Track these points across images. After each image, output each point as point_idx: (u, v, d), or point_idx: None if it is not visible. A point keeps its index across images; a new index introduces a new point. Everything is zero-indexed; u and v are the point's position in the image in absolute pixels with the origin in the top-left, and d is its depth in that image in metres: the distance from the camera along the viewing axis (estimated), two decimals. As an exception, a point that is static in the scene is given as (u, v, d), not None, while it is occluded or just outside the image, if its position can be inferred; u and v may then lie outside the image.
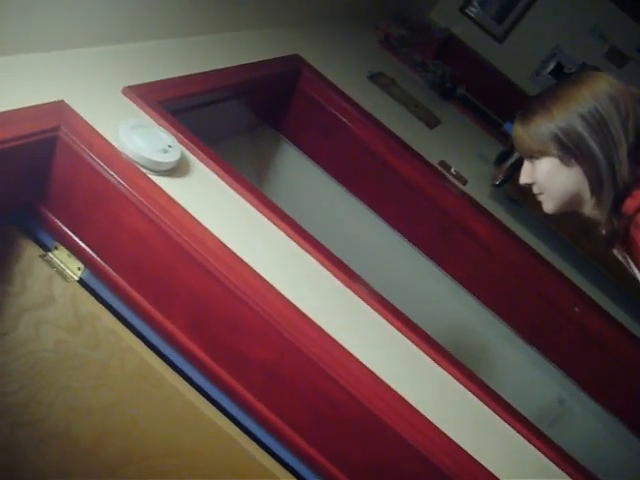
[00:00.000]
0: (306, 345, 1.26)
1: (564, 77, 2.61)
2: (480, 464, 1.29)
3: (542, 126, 1.40)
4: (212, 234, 1.30)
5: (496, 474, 1.29)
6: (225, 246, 1.30)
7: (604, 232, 1.42)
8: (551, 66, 4.20)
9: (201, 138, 1.54)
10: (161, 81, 1.62)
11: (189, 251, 1.27)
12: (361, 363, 1.29)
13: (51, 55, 1.43)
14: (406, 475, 1.33)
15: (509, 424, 1.45)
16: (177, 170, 1.41)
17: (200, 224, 1.31)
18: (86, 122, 1.33)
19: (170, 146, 1.40)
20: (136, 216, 1.30)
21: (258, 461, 1.40)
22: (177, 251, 1.29)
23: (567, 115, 1.38)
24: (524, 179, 1.51)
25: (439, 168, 2.46)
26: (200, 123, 1.71)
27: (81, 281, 1.44)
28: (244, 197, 1.48)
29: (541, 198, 1.50)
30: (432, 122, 2.84)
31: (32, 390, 1.55)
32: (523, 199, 2.54)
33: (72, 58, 1.48)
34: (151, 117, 1.49)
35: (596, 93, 1.37)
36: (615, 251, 1.48)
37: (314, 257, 1.47)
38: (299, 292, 1.33)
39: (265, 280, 1.29)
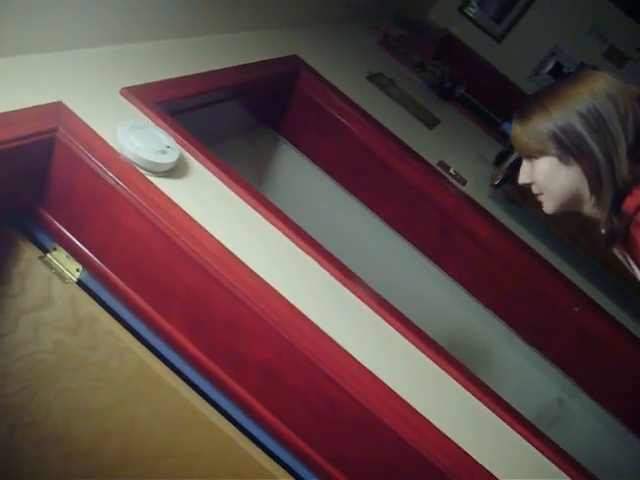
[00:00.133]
0: (304, 345, 1.26)
1: (563, 76, 2.61)
2: (479, 464, 1.29)
3: (540, 125, 1.39)
4: (210, 235, 1.30)
5: (495, 474, 1.29)
6: (224, 247, 1.30)
7: (604, 231, 1.41)
8: (550, 66, 4.20)
9: (200, 139, 1.54)
10: (159, 82, 1.62)
11: (187, 252, 1.27)
12: (360, 363, 1.29)
13: (49, 56, 1.43)
14: (404, 475, 1.33)
15: (508, 424, 1.45)
16: (175, 171, 1.41)
17: (198, 225, 1.31)
18: (84, 123, 1.33)
19: (168, 147, 1.40)
20: (134, 217, 1.30)
21: (256, 461, 1.40)
22: (175, 252, 1.29)
23: (565, 114, 1.37)
24: (523, 179, 1.50)
25: (438, 168, 2.46)
26: (199, 124, 1.71)
27: (80, 282, 1.44)
28: (243, 198, 1.48)
29: (541, 198, 1.49)
30: (431, 122, 2.84)
31: (31, 391, 1.55)
32: (522, 199, 2.54)
33: (70, 59, 1.48)
34: (149, 118, 1.49)
35: (595, 91, 1.36)
36: (615, 250, 1.47)
37: (313, 257, 1.47)
38: (297, 293, 1.33)
39: (263, 281, 1.29)
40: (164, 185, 1.34)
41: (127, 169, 1.31)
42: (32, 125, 1.25)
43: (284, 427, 1.37)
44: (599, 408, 2.51)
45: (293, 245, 1.47)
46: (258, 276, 1.29)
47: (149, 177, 1.33)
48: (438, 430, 1.29)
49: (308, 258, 1.47)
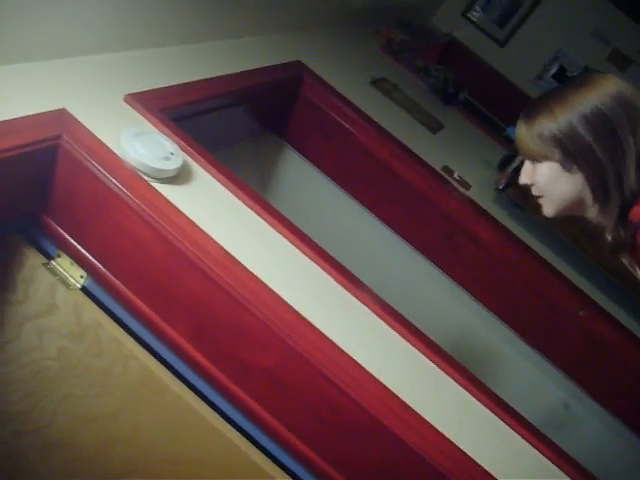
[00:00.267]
0: (308, 350, 1.26)
1: (569, 79, 2.58)
2: (481, 467, 1.29)
3: (544, 127, 1.35)
4: (214, 241, 1.30)
5: (498, 477, 1.28)
6: (227, 253, 1.30)
7: (609, 240, 1.38)
8: (553, 69, 4.19)
9: (203, 145, 1.54)
10: (163, 88, 1.63)
11: (191, 258, 1.27)
12: (362, 367, 1.29)
13: (53, 63, 1.43)
14: (406, 478, 1.33)
15: (510, 427, 1.45)
16: (179, 177, 1.41)
17: (202, 231, 1.31)
18: (88, 130, 1.33)
19: (172, 153, 1.40)
20: (138, 224, 1.30)
21: (260, 467, 1.39)
22: (179, 258, 1.29)
23: (571, 117, 1.31)
24: (524, 179, 1.46)
25: (442, 173, 2.46)
26: (202, 130, 1.72)
27: (84, 289, 1.44)
28: (246, 204, 1.48)
29: (540, 201, 1.46)
30: (435, 127, 2.84)
31: (35, 398, 1.55)
32: (526, 203, 2.53)
33: (74, 66, 1.48)
34: (153, 124, 1.50)
35: (603, 96, 1.30)
36: (622, 257, 1.44)
37: (316, 263, 1.47)
38: (301, 298, 1.33)
39: (267, 286, 1.29)
40: (168, 191, 1.34)
41: (131, 176, 1.32)
42: (36, 132, 1.25)
43: (287, 432, 1.36)
44: (605, 413, 2.50)
45: (297, 251, 1.47)
46: (262, 282, 1.29)
47: (153, 183, 1.34)
48: (440, 433, 1.29)
49: (312, 263, 1.47)
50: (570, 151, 1.33)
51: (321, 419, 1.33)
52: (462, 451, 1.29)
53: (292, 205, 2.16)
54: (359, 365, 1.29)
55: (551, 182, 1.39)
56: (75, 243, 1.40)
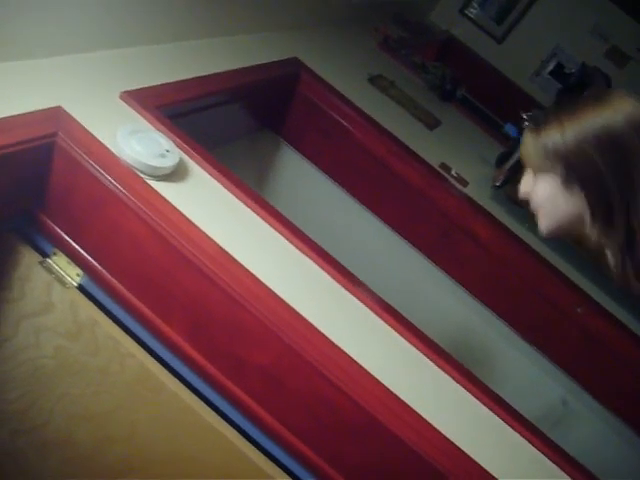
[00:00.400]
0: (304, 348, 1.25)
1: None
2: (478, 464, 1.29)
3: (550, 139, 1.27)
4: (211, 239, 1.30)
5: (495, 475, 1.28)
6: (223, 250, 1.30)
7: (613, 268, 1.29)
8: (551, 66, 4.19)
9: (200, 142, 1.54)
10: (159, 86, 1.62)
11: (187, 256, 1.27)
12: (360, 366, 1.28)
13: (48, 61, 1.43)
14: (404, 476, 1.33)
15: (508, 424, 1.45)
16: (175, 175, 1.40)
17: (198, 229, 1.30)
18: (84, 128, 1.33)
19: (168, 151, 1.40)
20: (134, 221, 1.29)
21: (258, 465, 1.39)
22: (176, 256, 1.29)
23: (579, 133, 1.23)
24: (523, 190, 1.40)
25: (440, 170, 2.46)
26: (199, 128, 1.71)
27: (80, 287, 1.43)
28: (243, 201, 1.48)
29: (538, 216, 1.39)
30: (432, 124, 2.83)
31: (33, 397, 1.55)
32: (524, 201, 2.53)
33: (69, 64, 1.47)
34: (149, 122, 1.49)
35: (618, 116, 1.21)
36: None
37: (314, 260, 1.47)
38: (298, 296, 1.33)
39: (264, 284, 1.29)
40: (164, 189, 1.34)
41: (127, 173, 1.31)
42: (31, 130, 1.25)
43: (285, 430, 1.36)
44: (603, 409, 2.50)
45: (293, 248, 1.47)
46: (258, 279, 1.29)
47: (149, 181, 1.33)
48: (437, 431, 1.28)
49: (309, 261, 1.47)
50: (573, 169, 1.25)
51: (318, 417, 1.32)
52: (459, 448, 1.29)
53: (289, 202, 2.16)
54: (356, 363, 1.28)
55: (550, 198, 1.32)
56: (71, 241, 1.40)
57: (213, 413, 1.42)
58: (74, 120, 1.33)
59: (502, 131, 3.05)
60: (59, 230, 1.40)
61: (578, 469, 1.46)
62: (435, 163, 2.46)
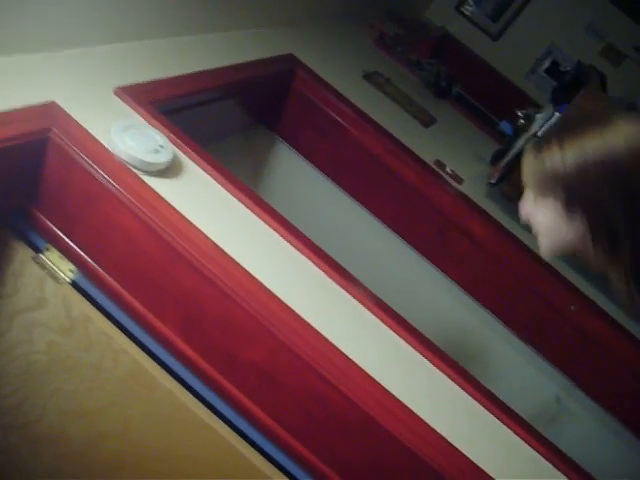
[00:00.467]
0: (298, 344, 1.25)
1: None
2: (473, 462, 1.29)
3: (550, 161, 1.20)
4: (204, 235, 1.30)
5: (489, 472, 1.29)
6: (217, 247, 1.29)
7: (618, 291, 1.23)
8: (546, 64, 4.19)
9: (195, 138, 1.54)
10: (153, 81, 1.62)
11: (181, 252, 1.27)
12: (354, 363, 1.28)
13: (42, 56, 1.42)
14: (399, 474, 1.33)
15: (502, 422, 1.45)
16: (169, 170, 1.40)
17: (192, 225, 1.30)
18: (78, 123, 1.32)
19: (162, 146, 1.39)
20: (128, 217, 1.29)
21: (251, 462, 1.39)
22: (169, 252, 1.28)
23: (580, 156, 1.15)
24: (524, 211, 1.34)
25: (434, 167, 2.45)
26: (193, 123, 1.71)
27: (73, 283, 1.43)
28: (237, 197, 1.48)
29: (538, 238, 1.33)
30: (427, 121, 2.83)
31: (26, 392, 1.55)
32: (519, 198, 2.53)
33: (63, 59, 1.47)
34: (143, 118, 1.49)
35: (620, 139, 1.14)
36: None
37: (308, 257, 1.47)
38: (292, 293, 1.32)
39: (257, 280, 1.29)
40: (157, 185, 1.33)
41: (120, 169, 1.31)
42: (25, 125, 1.24)
43: (278, 427, 1.36)
44: (597, 407, 2.51)
45: (287, 245, 1.47)
46: (252, 276, 1.29)
47: (142, 177, 1.33)
48: (432, 429, 1.28)
49: (302, 257, 1.46)
50: (574, 193, 1.19)
51: (311, 413, 1.32)
52: (453, 446, 1.29)
53: (283, 199, 2.16)
54: (349, 359, 1.28)
55: (551, 223, 1.26)
56: (64, 237, 1.39)
57: (206, 409, 1.41)
58: (68, 115, 1.32)
59: (497, 128, 3.05)
60: (52, 226, 1.40)
61: (571, 467, 1.46)
62: (430, 160, 2.46)
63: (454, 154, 2.75)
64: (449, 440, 1.29)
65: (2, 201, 1.34)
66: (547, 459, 1.44)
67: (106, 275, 1.38)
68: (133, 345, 1.41)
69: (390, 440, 1.26)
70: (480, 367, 2.30)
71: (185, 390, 1.42)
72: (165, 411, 1.42)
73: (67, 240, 1.39)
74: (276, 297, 1.28)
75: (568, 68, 3.87)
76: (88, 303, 1.42)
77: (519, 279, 2.39)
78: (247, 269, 1.29)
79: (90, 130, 1.33)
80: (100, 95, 1.47)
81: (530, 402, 2.39)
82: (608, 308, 2.41)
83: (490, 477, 1.28)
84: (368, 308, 1.46)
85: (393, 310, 1.50)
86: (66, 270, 1.42)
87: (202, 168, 1.48)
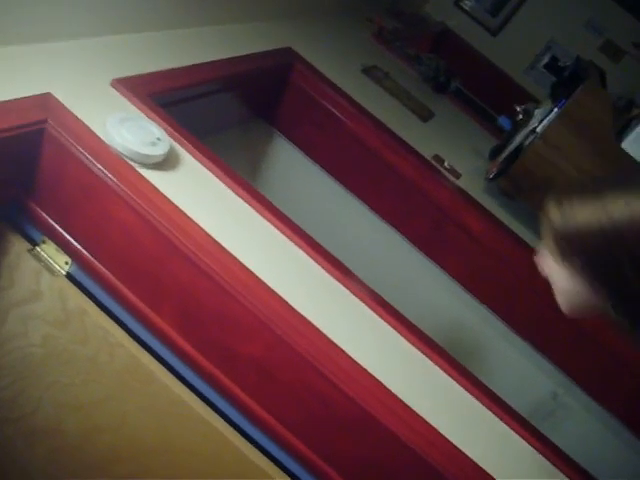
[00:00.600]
0: (295, 340, 1.25)
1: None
2: (472, 460, 1.29)
3: (562, 219, 1.09)
4: (201, 228, 1.29)
5: (488, 470, 1.28)
6: (214, 240, 1.29)
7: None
8: (546, 59, 4.19)
9: (192, 131, 1.53)
10: (151, 73, 1.61)
11: (178, 245, 1.26)
12: (353, 359, 1.28)
13: (38, 47, 1.41)
14: (399, 472, 1.33)
15: (501, 419, 1.45)
16: (166, 163, 1.39)
17: (189, 218, 1.29)
18: (74, 115, 1.32)
19: (159, 139, 1.38)
20: (124, 210, 1.28)
21: (248, 457, 1.39)
22: (166, 245, 1.28)
23: (596, 221, 1.03)
24: (541, 269, 1.25)
25: (432, 162, 2.45)
26: (191, 116, 1.70)
27: (69, 275, 1.42)
28: (234, 190, 1.47)
29: (557, 298, 1.23)
30: (426, 115, 2.83)
31: (21, 385, 1.54)
32: (517, 193, 2.53)
33: (60, 50, 1.46)
34: (140, 110, 1.48)
35: None
36: None
37: (305, 251, 1.46)
38: (289, 287, 1.32)
39: (255, 275, 1.28)
40: (154, 177, 1.33)
41: (117, 161, 1.30)
42: (20, 117, 1.23)
43: (275, 422, 1.36)
44: (593, 403, 2.51)
45: (285, 239, 1.46)
46: (249, 270, 1.28)
47: (139, 169, 1.32)
48: (431, 426, 1.28)
49: (300, 252, 1.46)
50: (591, 263, 1.08)
51: (309, 409, 1.32)
52: (452, 443, 1.28)
53: (281, 192, 2.16)
54: (348, 357, 1.28)
55: (569, 289, 1.16)
56: (60, 229, 1.39)
57: (203, 404, 1.41)
58: (64, 107, 1.32)
59: (496, 124, 3.05)
60: (48, 218, 1.39)
61: (568, 462, 1.46)
62: (428, 155, 2.45)
63: (452, 149, 2.75)
64: (446, 436, 1.28)
65: (-2, 193, 1.34)
66: (544, 455, 1.44)
67: (102, 268, 1.37)
68: (129, 339, 1.41)
69: (389, 437, 1.26)
70: (477, 363, 2.30)
71: (181, 384, 1.41)
72: (161, 405, 1.42)
73: (63, 233, 1.39)
74: (273, 292, 1.28)
75: (567, 64, 3.86)
76: (84, 296, 1.41)
77: (516, 275, 2.39)
78: (244, 263, 1.28)
79: (86, 122, 1.32)
80: (96, 87, 1.46)
81: (527, 398, 2.40)
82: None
83: (489, 475, 1.28)
84: (365, 303, 1.45)
85: (391, 305, 1.50)
86: (62, 263, 1.41)
87: (199, 161, 1.48)
